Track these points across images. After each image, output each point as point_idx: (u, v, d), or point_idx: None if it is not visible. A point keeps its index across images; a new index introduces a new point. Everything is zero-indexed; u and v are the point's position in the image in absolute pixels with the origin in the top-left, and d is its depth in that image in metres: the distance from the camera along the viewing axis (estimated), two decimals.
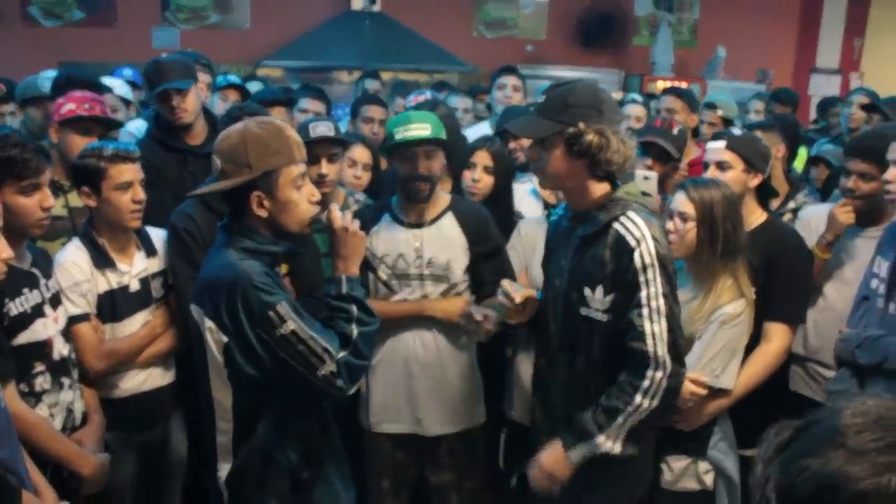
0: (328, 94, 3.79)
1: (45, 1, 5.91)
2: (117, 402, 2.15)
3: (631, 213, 1.76)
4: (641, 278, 1.71)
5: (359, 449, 2.32)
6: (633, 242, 1.72)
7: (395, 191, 2.52)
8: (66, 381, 1.95)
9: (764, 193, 2.43)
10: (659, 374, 1.73)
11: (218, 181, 1.68)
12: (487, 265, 2.29)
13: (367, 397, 2.30)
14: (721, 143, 2.39)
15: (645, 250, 1.72)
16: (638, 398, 1.73)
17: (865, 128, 3.56)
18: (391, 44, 5.96)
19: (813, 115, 5.65)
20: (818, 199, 3.08)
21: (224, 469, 1.73)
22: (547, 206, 2.64)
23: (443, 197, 2.33)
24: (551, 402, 1.93)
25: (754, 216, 2.37)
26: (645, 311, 1.71)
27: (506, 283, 1.93)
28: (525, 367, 2.41)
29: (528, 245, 2.45)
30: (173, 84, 2.68)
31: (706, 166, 2.43)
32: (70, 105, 2.49)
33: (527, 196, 2.72)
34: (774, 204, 2.77)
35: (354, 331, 1.66)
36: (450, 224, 2.28)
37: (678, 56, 7.06)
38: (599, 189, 1.80)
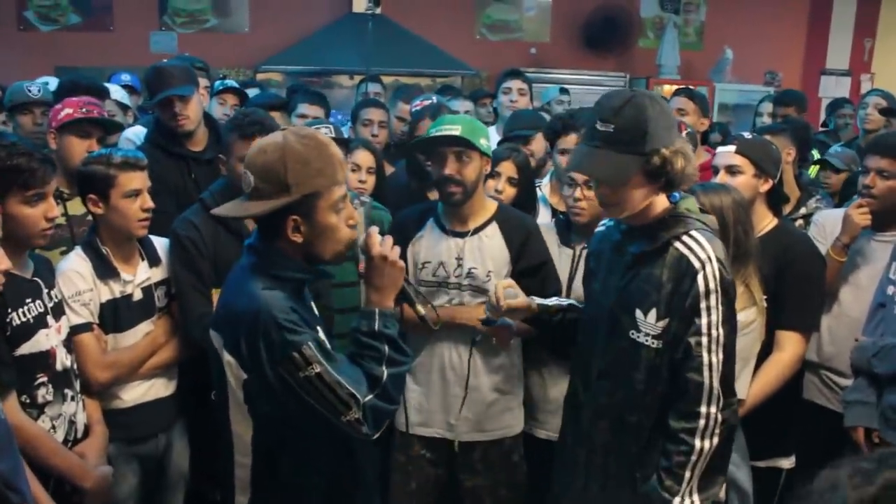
0: (329, 99, 3.75)
1: (41, 5, 5.86)
2: (119, 412, 2.12)
3: (694, 233, 1.63)
4: (703, 304, 1.59)
5: (385, 446, 2.30)
6: (697, 264, 1.60)
7: (400, 196, 2.49)
8: (68, 392, 1.93)
9: (775, 198, 2.39)
10: (713, 409, 1.61)
11: (249, 199, 1.53)
12: (532, 281, 2.19)
13: (403, 399, 2.23)
14: (731, 147, 2.36)
15: (710, 274, 1.59)
16: (697, 442, 1.61)
17: (884, 132, 3.54)
18: (393, 47, 5.92)
19: (823, 116, 5.60)
20: (830, 205, 3.05)
21: (241, 503, 1.64)
22: (555, 213, 2.61)
23: (489, 205, 2.27)
24: (585, 430, 1.79)
25: (765, 222, 2.34)
26: (704, 339, 1.60)
27: (499, 285, 1.86)
28: (535, 379, 2.38)
29: None
30: (176, 90, 2.64)
31: (716, 171, 2.40)
32: (67, 109, 2.46)
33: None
34: (785, 209, 2.74)
35: (384, 373, 1.51)
36: (493, 235, 2.23)
37: (684, 58, 7.01)
38: (661, 203, 1.67)
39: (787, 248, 2.28)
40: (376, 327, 1.54)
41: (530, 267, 2.22)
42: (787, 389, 2.25)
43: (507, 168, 2.51)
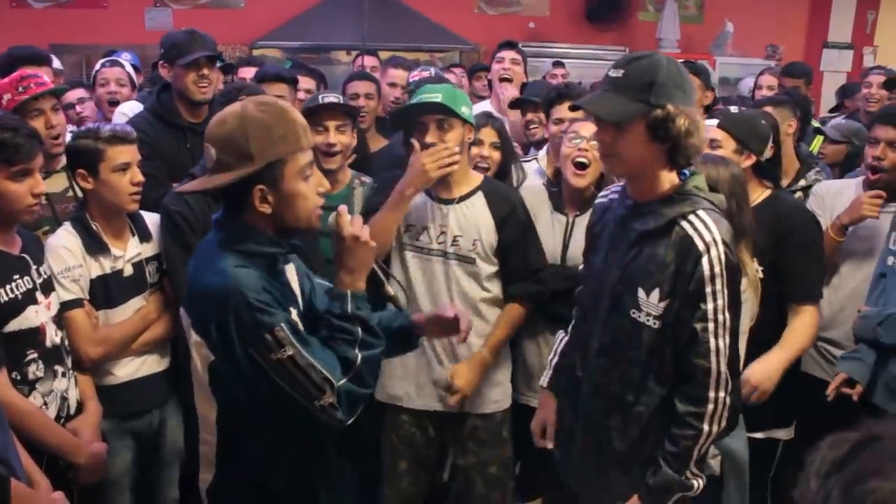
0: (327, 75, 3.71)
1: None
2: (112, 388, 2.11)
3: (701, 213, 1.58)
4: (707, 289, 1.55)
5: (375, 424, 2.28)
6: (701, 246, 1.55)
7: (390, 169, 2.46)
8: (59, 368, 1.92)
9: (765, 173, 2.35)
10: (722, 394, 1.59)
11: (213, 173, 1.46)
12: (518, 250, 2.18)
13: (389, 372, 2.22)
14: (714, 121, 2.34)
15: (714, 257, 1.55)
16: (705, 427, 1.60)
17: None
18: (390, 22, 5.85)
19: (825, 90, 5.54)
20: (830, 177, 3.02)
21: (206, 479, 1.63)
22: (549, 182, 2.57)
23: (474, 175, 2.26)
24: (581, 406, 1.77)
25: (755, 194, 2.31)
26: (711, 325, 1.56)
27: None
28: (531, 347, 2.37)
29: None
30: (211, 53, 2.66)
31: None
32: (6, 95, 2.34)
33: (532, 174, 2.65)
34: (785, 182, 2.72)
35: (358, 356, 1.47)
36: (479, 204, 2.21)
37: (684, 32, 6.92)
38: (669, 179, 1.62)
39: (782, 217, 2.26)
40: (349, 309, 1.49)
41: (516, 238, 2.21)
42: None
43: (488, 134, 2.49)
